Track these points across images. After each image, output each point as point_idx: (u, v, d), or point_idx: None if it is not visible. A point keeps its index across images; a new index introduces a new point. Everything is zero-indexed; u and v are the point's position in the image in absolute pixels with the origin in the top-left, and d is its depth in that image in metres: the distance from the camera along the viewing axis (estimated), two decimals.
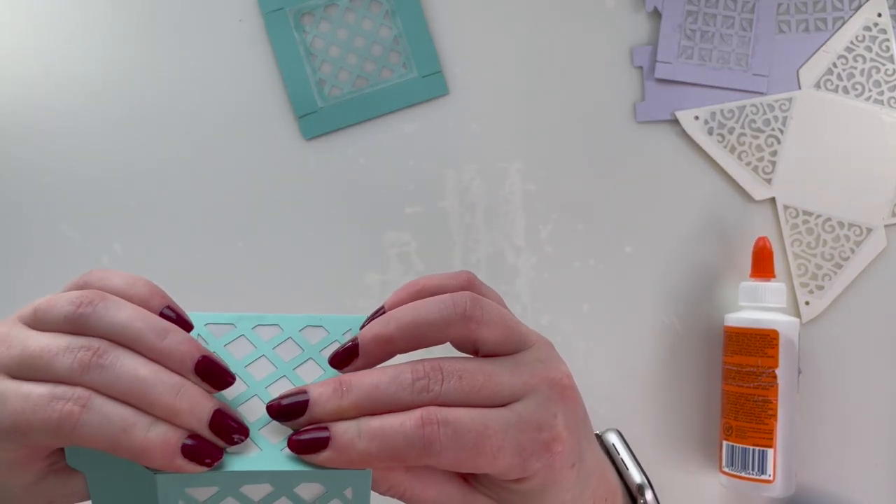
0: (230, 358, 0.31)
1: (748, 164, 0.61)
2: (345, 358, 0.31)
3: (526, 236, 0.62)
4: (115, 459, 0.28)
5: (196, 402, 0.28)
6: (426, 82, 0.61)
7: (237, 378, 0.30)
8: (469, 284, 0.33)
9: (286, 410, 0.29)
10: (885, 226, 0.60)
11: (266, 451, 0.28)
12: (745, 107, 0.61)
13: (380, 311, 0.33)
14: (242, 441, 0.28)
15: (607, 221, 0.62)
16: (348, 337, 0.33)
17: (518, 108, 0.62)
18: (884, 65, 0.60)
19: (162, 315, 0.31)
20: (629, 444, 0.40)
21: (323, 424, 0.28)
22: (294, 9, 0.61)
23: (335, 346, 0.32)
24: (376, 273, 0.61)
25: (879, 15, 0.60)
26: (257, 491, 0.28)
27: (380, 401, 0.29)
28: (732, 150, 0.61)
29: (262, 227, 0.62)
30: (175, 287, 0.61)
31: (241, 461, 0.28)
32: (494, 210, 0.62)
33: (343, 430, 0.28)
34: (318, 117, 0.61)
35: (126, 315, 0.29)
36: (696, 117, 0.61)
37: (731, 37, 0.61)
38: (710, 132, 0.61)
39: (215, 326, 0.32)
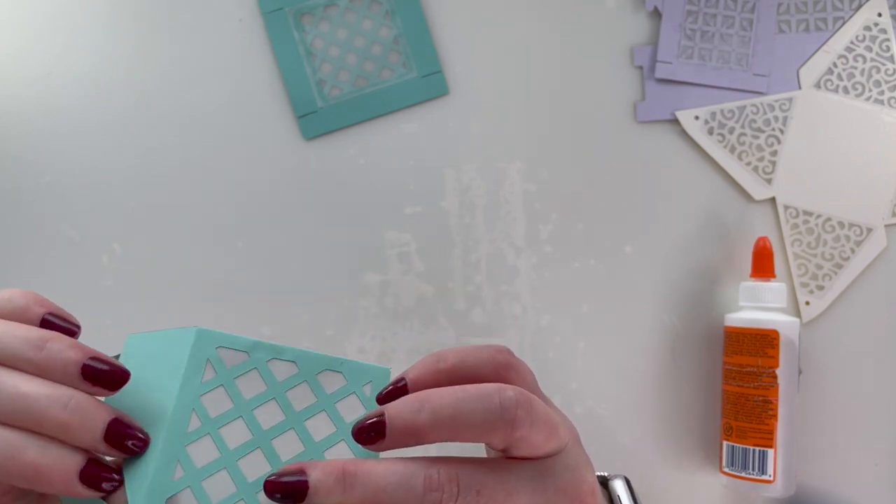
0: (238, 396, 0.29)
1: (748, 164, 0.61)
2: (369, 436, 0.28)
3: (526, 236, 0.62)
4: None
5: (87, 414, 0.26)
6: (426, 82, 0.61)
7: (242, 423, 0.29)
8: (509, 368, 0.30)
9: (284, 491, 0.27)
10: (885, 226, 0.60)
11: None
12: (745, 107, 0.61)
13: (401, 383, 0.30)
14: (139, 449, 0.27)
15: (607, 221, 0.62)
16: (368, 390, 0.31)
17: (518, 108, 0.62)
18: (884, 65, 0.60)
19: (45, 323, 0.29)
20: (635, 492, 0.39)
21: None
22: (294, 9, 0.61)
23: (352, 399, 0.31)
24: (376, 273, 0.61)
25: (879, 15, 0.60)
26: None
27: None
28: (732, 150, 0.61)
29: (262, 226, 0.62)
30: (175, 287, 0.62)
31: None
32: (494, 210, 0.62)
33: None
34: (318, 117, 0.61)
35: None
36: (697, 117, 0.61)
37: (732, 36, 0.61)
38: (711, 132, 0.61)
39: (228, 352, 0.30)
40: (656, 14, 0.61)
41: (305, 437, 0.29)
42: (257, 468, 0.28)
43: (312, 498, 0.26)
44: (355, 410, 0.31)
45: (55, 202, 0.62)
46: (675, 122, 0.61)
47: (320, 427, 0.30)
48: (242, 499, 0.27)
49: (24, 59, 0.62)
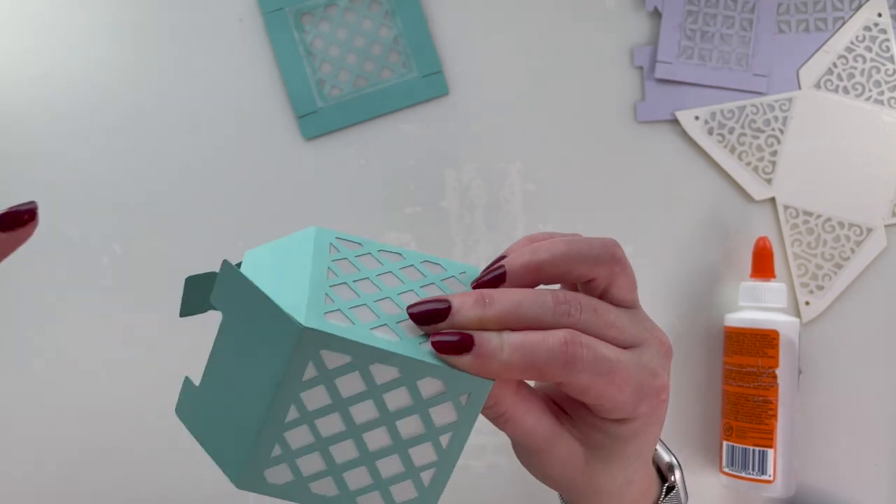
0: (363, 268, 0.31)
1: (748, 164, 0.61)
2: (492, 282, 0.31)
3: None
4: (255, 314, 0.27)
5: None
6: (426, 82, 0.61)
7: (371, 283, 0.30)
8: (615, 262, 0.33)
9: (428, 314, 0.29)
10: (885, 226, 0.60)
11: (404, 340, 0.28)
12: (745, 107, 0.61)
13: (499, 260, 0.32)
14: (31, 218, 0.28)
15: (607, 221, 0.62)
16: (465, 276, 0.33)
17: (518, 108, 0.62)
18: (884, 65, 0.60)
19: None
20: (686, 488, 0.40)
21: (467, 331, 0.29)
22: (294, 9, 0.61)
23: (453, 281, 0.33)
24: None
25: (879, 15, 0.60)
26: (384, 374, 0.28)
27: (522, 317, 0.29)
28: (732, 150, 0.61)
29: (263, 226, 0.62)
30: (175, 287, 0.62)
31: (380, 341, 0.28)
32: (494, 210, 0.62)
33: (487, 339, 0.28)
34: (318, 117, 0.61)
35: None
36: (697, 117, 0.61)
37: (732, 37, 0.61)
38: (711, 132, 0.61)
39: (344, 242, 0.32)
40: (656, 14, 0.61)
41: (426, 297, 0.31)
42: (392, 309, 0.29)
43: (455, 315, 0.29)
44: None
45: (55, 202, 0.62)
46: (675, 122, 0.61)
47: (435, 293, 0.31)
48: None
49: (24, 59, 0.62)
